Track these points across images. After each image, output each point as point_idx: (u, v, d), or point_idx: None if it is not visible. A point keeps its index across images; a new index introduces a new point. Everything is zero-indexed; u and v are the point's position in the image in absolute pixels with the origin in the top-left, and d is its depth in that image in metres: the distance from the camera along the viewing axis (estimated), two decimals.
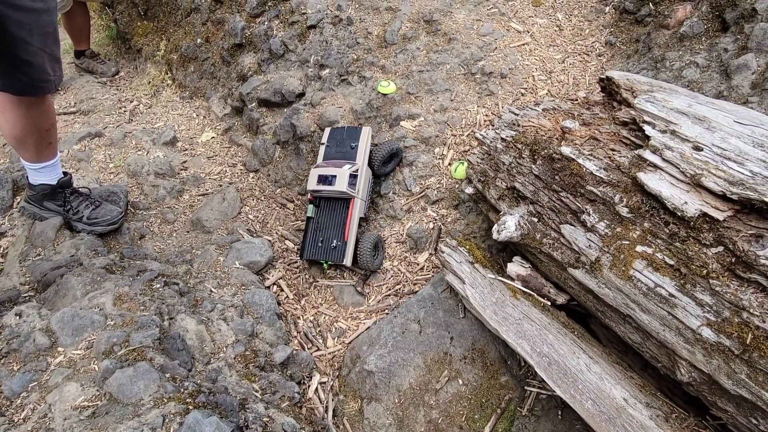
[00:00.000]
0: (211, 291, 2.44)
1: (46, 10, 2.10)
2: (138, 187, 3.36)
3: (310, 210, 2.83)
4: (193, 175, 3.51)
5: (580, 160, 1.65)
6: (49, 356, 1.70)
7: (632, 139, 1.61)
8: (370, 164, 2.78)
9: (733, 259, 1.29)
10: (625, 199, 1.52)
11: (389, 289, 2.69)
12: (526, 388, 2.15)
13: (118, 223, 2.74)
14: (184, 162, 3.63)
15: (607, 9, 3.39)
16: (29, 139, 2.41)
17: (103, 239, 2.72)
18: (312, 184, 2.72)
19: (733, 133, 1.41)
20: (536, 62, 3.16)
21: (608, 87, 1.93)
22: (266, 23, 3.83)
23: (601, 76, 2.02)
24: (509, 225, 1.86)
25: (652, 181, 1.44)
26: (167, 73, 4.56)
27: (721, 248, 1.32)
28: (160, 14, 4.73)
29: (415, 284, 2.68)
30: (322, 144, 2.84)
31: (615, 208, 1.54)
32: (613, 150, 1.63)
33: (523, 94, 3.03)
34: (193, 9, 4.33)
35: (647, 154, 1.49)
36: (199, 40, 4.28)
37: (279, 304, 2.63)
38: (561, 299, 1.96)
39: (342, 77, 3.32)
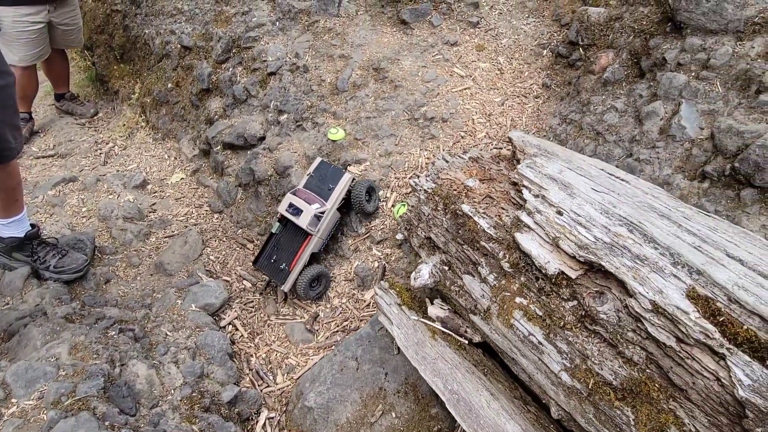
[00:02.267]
0: (167, 335, 2.62)
1: (6, 86, 2.32)
2: (107, 231, 3.56)
3: (275, 227, 3.05)
4: (161, 217, 3.71)
5: (476, 218, 1.85)
6: (2, 407, 1.89)
7: (517, 199, 1.82)
8: (354, 204, 2.97)
9: (583, 313, 1.48)
10: (507, 255, 1.71)
11: (337, 326, 2.88)
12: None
13: (83, 271, 2.94)
14: (153, 204, 3.84)
15: (545, 52, 3.62)
16: None
17: (69, 286, 2.91)
18: (282, 207, 2.93)
19: (588, 199, 1.62)
20: (477, 106, 3.38)
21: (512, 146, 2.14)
22: (230, 70, 4.06)
23: (508, 135, 2.23)
24: (423, 273, 2.06)
25: (525, 241, 1.64)
26: (141, 115, 4.78)
27: (575, 302, 1.52)
28: (135, 58, 4.97)
29: (361, 320, 2.86)
30: (308, 174, 3.04)
31: (500, 263, 1.74)
32: (502, 209, 1.84)
33: (462, 137, 3.24)
34: (164, 55, 4.57)
35: (524, 216, 1.69)
36: (170, 85, 4.51)
37: (233, 342, 2.81)
38: (477, 338, 2.14)
39: (298, 123, 3.54)
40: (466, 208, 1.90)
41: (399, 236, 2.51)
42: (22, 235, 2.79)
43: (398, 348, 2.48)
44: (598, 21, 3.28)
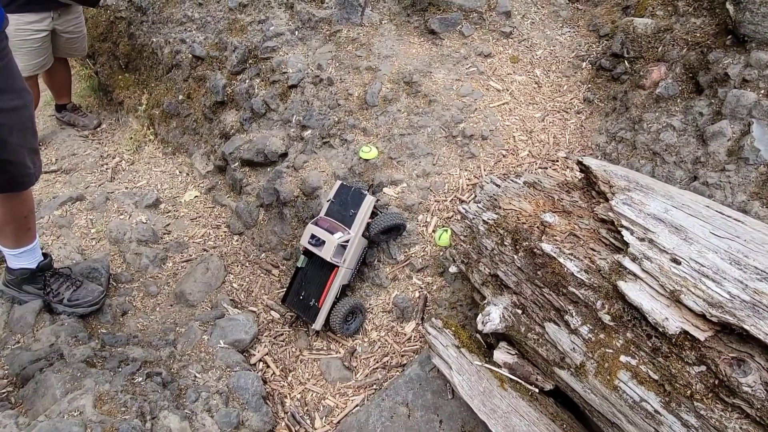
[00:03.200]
0: (196, 377, 2.40)
1: (24, 107, 2.09)
2: (120, 255, 3.32)
3: (301, 260, 2.83)
4: (177, 239, 3.48)
5: (561, 260, 1.65)
6: None
7: (611, 240, 1.62)
8: (367, 230, 2.76)
9: (716, 381, 1.29)
10: (606, 306, 1.52)
11: (377, 362, 2.66)
12: None
13: (99, 304, 2.70)
14: (167, 225, 3.60)
15: (584, 65, 3.44)
16: (8, 227, 2.38)
17: (85, 320, 2.68)
18: (304, 240, 2.71)
19: (710, 246, 1.43)
20: (516, 122, 3.19)
21: (586, 174, 1.95)
22: (247, 81, 3.83)
23: (579, 159, 2.04)
24: (494, 317, 1.86)
25: (632, 291, 1.45)
26: (149, 128, 4.54)
27: (703, 368, 1.32)
28: (142, 68, 4.72)
29: (402, 356, 2.66)
30: (329, 200, 2.82)
31: (597, 314, 1.54)
32: (593, 250, 1.64)
33: (504, 156, 3.05)
34: (174, 65, 4.33)
35: (626, 262, 1.50)
36: (180, 97, 4.27)
37: (265, 382, 2.59)
38: (548, 386, 1.94)
39: (324, 139, 3.33)
40: (547, 247, 1.70)
41: (452, 269, 2.31)
42: (34, 266, 2.55)
43: (452, 391, 2.28)
44: (645, 32, 3.10)
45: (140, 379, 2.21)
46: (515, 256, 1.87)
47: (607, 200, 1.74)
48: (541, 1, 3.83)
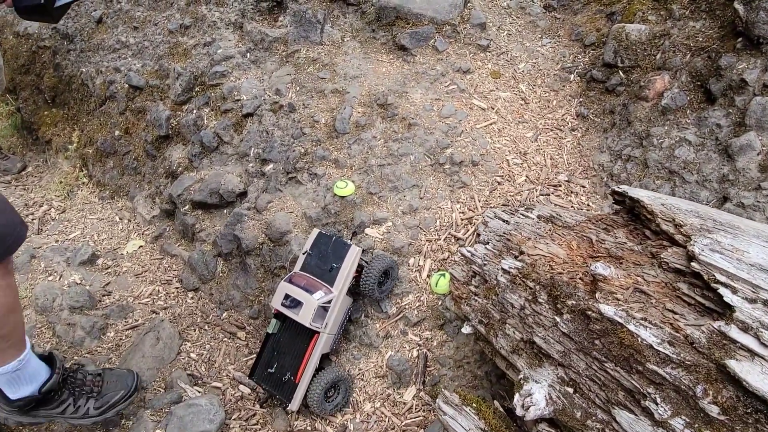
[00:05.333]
0: None
1: None
2: (49, 327, 2.75)
3: (272, 325, 2.34)
4: (119, 301, 2.93)
5: (631, 327, 1.26)
6: None
7: (697, 299, 1.25)
8: (363, 288, 2.31)
9: None
10: (711, 393, 1.14)
11: None
12: None
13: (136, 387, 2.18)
14: (107, 285, 3.04)
15: (572, 77, 3.13)
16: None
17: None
18: (276, 301, 2.24)
19: None
20: (508, 143, 2.84)
21: (630, 206, 1.58)
22: (195, 112, 3.35)
23: (616, 189, 1.67)
24: (538, 399, 1.44)
25: (751, 375, 1.07)
26: (82, 170, 3.96)
27: None
28: (71, 102, 4.14)
29: (404, 431, 2.20)
30: (305, 252, 2.35)
31: (698, 402, 1.15)
32: (673, 313, 1.26)
33: (499, 183, 2.68)
34: (108, 97, 3.79)
35: (734, 333, 1.13)
36: (117, 132, 3.73)
37: None
38: None
39: (289, 174, 2.87)
40: (608, 310, 1.31)
41: (466, 329, 1.89)
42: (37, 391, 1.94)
43: None
44: (640, 39, 2.82)
45: None
46: (558, 319, 1.47)
47: (675, 243, 1.38)
48: (516, 11, 3.53)
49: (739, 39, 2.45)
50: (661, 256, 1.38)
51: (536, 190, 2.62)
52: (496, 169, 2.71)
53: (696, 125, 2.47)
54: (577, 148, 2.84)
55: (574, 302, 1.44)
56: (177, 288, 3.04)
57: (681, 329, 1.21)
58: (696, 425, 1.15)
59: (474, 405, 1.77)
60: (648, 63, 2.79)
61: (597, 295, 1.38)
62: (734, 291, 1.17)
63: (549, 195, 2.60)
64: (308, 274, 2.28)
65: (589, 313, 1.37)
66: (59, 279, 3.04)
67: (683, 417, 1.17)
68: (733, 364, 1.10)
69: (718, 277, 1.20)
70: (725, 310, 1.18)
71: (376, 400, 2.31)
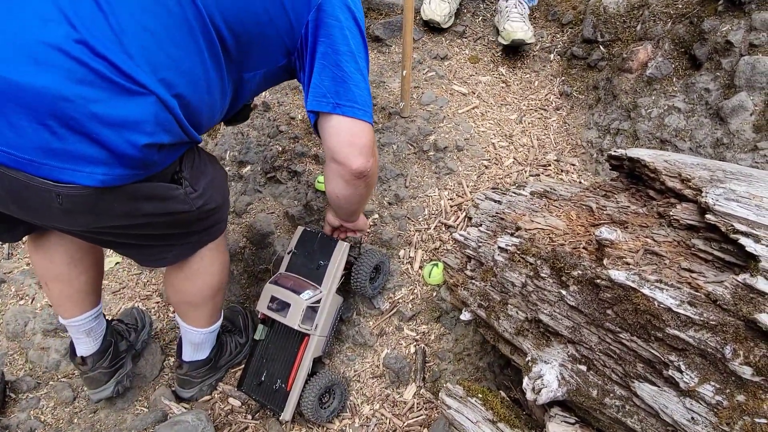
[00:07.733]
0: None
1: None
2: (21, 353, 2.58)
3: (259, 331, 2.19)
4: None
5: (645, 290, 1.16)
6: None
7: (716, 254, 1.15)
8: (354, 285, 2.19)
9: None
10: (741, 353, 1.03)
11: None
12: None
13: None
14: None
15: (552, 56, 3.06)
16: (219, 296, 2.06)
17: None
18: (262, 305, 2.10)
19: None
20: (492, 126, 2.74)
21: (630, 168, 1.49)
22: None
23: (613, 153, 1.58)
24: (549, 380, 1.33)
25: None
26: None
27: None
28: None
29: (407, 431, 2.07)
30: (290, 251, 2.22)
31: (727, 365, 1.05)
32: (690, 272, 1.16)
33: (487, 167, 2.58)
34: None
35: (761, 284, 1.02)
36: None
37: None
38: None
39: (268, 174, 2.75)
40: (619, 275, 1.20)
41: (465, 316, 1.77)
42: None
43: None
44: (618, 12, 2.76)
45: None
46: (563, 292, 1.36)
47: (684, 199, 1.28)
48: None
49: (720, 1, 2.39)
50: (670, 213, 1.28)
51: (525, 172, 2.53)
52: (482, 153, 2.61)
53: (684, 92, 2.40)
54: (564, 126, 2.76)
55: (580, 272, 1.33)
56: (157, 302, 2.88)
57: (701, 287, 1.11)
58: (728, 390, 1.04)
59: (480, 395, 1.65)
60: (629, 35, 2.72)
61: (605, 261, 1.27)
62: (757, 239, 1.07)
63: (539, 176, 2.51)
64: (295, 275, 2.15)
65: (598, 281, 1.27)
66: (31, 302, 2.87)
67: (712, 383, 1.06)
68: (764, 318, 1.00)
69: (738, 226, 1.11)
70: (749, 262, 1.08)
71: (375, 402, 2.18)
